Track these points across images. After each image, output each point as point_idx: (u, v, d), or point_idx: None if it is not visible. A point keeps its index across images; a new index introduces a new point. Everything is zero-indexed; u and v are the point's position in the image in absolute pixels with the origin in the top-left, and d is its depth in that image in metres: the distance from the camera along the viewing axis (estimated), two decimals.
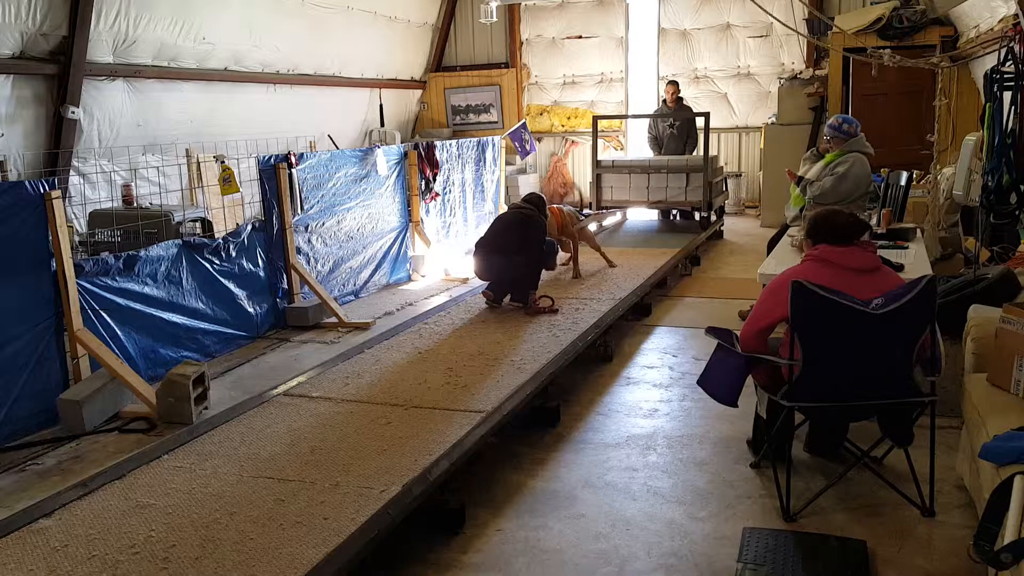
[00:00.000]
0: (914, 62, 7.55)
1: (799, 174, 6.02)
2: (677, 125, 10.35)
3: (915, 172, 7.45)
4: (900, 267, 4.33)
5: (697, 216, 9.77)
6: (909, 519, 3.29)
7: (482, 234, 6.61)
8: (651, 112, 11.08)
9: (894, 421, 3.37)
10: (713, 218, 9.85)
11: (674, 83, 10.66)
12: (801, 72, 11.34)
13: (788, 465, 3.33)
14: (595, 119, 10.45)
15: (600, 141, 12.96)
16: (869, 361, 3.18)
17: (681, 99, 10.62)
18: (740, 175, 12.18)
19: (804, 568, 2.93)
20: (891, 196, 6.48)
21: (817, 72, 11.05)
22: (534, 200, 6.73)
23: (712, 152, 10.44)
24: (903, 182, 6.39)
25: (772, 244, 6.10)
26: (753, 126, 12.09)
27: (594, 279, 7.00)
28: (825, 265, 3.33)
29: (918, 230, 5.56)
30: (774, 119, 11.09)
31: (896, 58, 7.18)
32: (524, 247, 6.23)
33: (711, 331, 3.71)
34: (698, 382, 3.74)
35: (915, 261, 4.65)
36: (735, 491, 3.57)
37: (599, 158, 10.24)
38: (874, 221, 5.71)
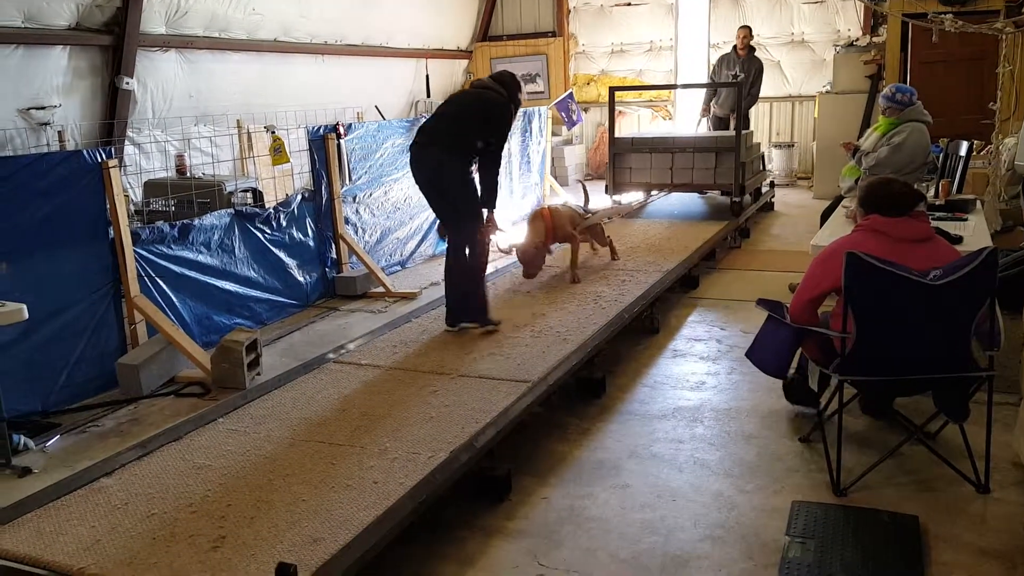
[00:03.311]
0: (977, 27, 7.26)
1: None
2: (741, 76, 9.76)
3: (975, 142, 7.22)
4: (959, 239, 4.23)
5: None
6: (963, 496, 3.23)
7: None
8: (721, 58, 10.35)
9: (950, 396, 3.30)
10: (748, 200, 8.80)
11: (747, 27, 9.94)
12: (858, 39, 11.02)
13: (839, 439, 3.29)
14: (611, 90, 9.27)
15: (648, 111, 12.86)
16: (925, 334, 3.12)
17: (752, 48, 9.98)
18: (792, 145, 11.93)
19: (854, 543, 2.90)
20: (950, 167, 6.31)
21: (874, 39, 10.73)
22: (502, 78, 4.95)
23: (749, 127, 9.84)
24: (963, 152, 6.21)
25: (825, 216, 5.99)
26: (807, 95, 11.81)
27: (639, 251, 6.94)
28: (877, 235, 3.26)
29: (978, 202, 5.42)
30: (829, 88, 10.83)
31: (958, 23, 6.92)
32: (466, 149, 4.67)
33: (761, 303, 3.67)
34: (746, 354, 3.71)
35: (974, 233, 4.53)
36: (784, 464, 3.54)
37: (616, 135, 8.95)
38: (932, 192, 5.58)
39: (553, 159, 10.85)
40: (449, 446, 3.30)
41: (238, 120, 8.14)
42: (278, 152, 6.18)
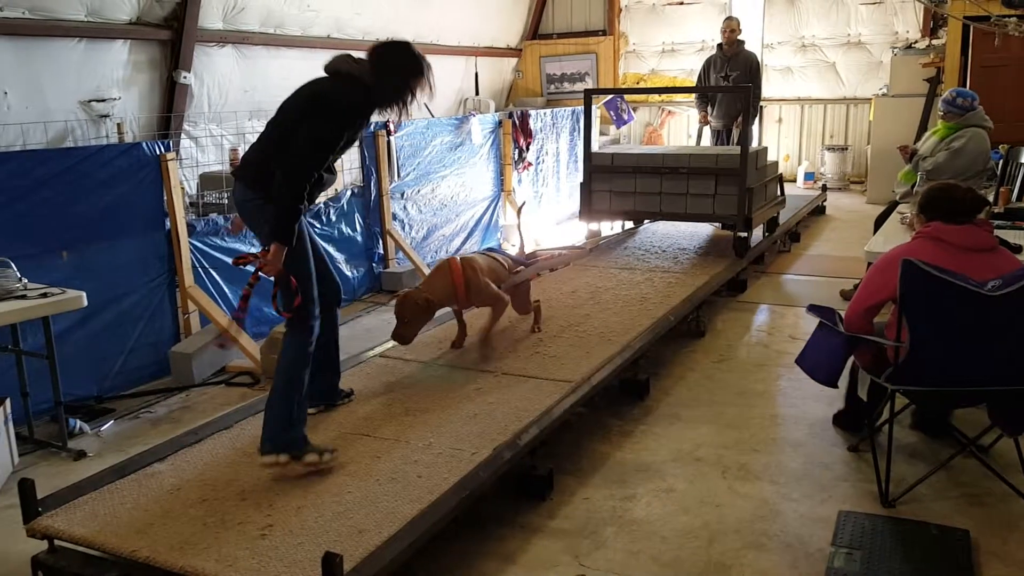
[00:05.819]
0: None
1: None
2: (734, 76, 8.27)
3: None
4: (1019, 248, 4.11)
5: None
6: (1016, 511, 3.15)
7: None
8: (707, 61, 8.78)
9: (1006, 409, 3.22)
10: (761, 237, 7.22)
11: (733, 19, 8.57)
12: (916, 41, 10.79)
13: (889, 449, 3.23)
14: (587, 92, 7.68)
15: (695, 111, 12.70)
16: (982, 345, 3.04)
17: (741, 42, 8.45)
18: (846, 148, 11.73)
19: (902, 555, 2.85)
20: (1010, 173, 6.15)
21: (934, 42, 10.49)
22: (342, 66, 3.38)
23: (766, 141, 8.92)
24: None
25: (880, 221, 5.88)
26: (862, 97, 11.60)
27: (687, 254, 6.88)
28: (937, 243, 3.20)
29: None
30: (885, 90, 10.62)
31: (1022, 27, 6.75)
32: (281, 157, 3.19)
33: (812, 309, 3.61)
34: (796, 361, 3.65)
35: None
36: (831, 473, 3.49)
37: (594, 150, 7.30)
38: (991, 199, 5.44)
39: None
40: (492, 443, 3.31)
41: None
42: None
